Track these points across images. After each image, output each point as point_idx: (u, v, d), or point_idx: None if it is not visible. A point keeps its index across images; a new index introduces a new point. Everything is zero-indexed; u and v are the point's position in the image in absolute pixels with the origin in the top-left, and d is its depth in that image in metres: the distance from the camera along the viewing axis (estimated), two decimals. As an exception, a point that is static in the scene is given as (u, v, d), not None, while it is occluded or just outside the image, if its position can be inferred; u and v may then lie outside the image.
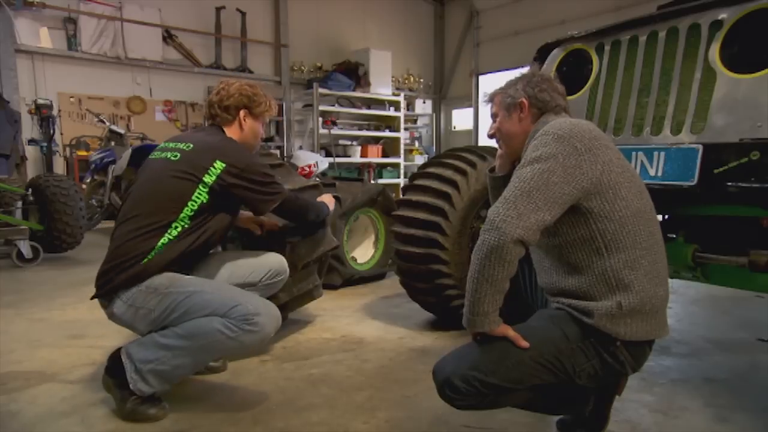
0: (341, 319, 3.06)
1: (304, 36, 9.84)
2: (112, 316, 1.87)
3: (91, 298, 1.87)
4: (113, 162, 5.89)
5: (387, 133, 10.18)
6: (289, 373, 2.23)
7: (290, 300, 2.49)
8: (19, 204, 4.63)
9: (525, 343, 1.36)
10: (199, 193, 1.86)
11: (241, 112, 2.07)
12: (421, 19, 11.76)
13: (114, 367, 1.82)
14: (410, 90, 11.26)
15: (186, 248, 1.85)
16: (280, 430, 1.76)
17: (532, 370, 1.36)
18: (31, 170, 6.94)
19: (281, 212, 2.16)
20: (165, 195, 1.85)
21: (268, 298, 1.98)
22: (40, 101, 6.54)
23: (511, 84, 1.62)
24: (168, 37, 8.42)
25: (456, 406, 1.40)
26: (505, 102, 1.60)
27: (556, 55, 2.49)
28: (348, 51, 10.13)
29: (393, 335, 2.75)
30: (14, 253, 4.51)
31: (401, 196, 2.85)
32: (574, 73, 2.38)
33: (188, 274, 1.90)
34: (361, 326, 2.91)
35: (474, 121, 11.19)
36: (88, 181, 6.30)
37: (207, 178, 1.86)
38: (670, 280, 1.55)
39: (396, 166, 10.28)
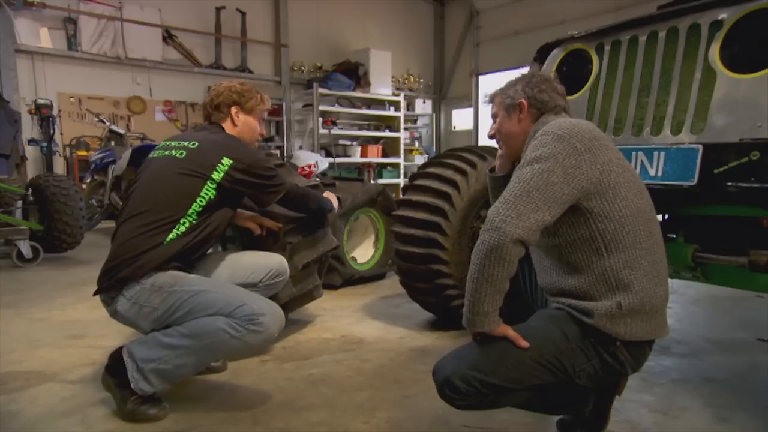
0: (341, 319, 3.06)
1: (304, 36, 9.84)
2: (115, 314, 1.87)
3: (94, 294, 1.87)
4: (113, 162, 5.89)
5: (387, 133, 10.17)
6: (289, 373, 2.23)
7: (290, 300, 2.50)
8: (19, 204, 4.63)
9: (525, 343, 1.36)
10: (207, 190, 1.91)
11: (233, 109, 2.11)
12: (421, 19, 11.76)
13: (115, 367, 1.82)
14: (410, 90, 11.26)
15: (189, 242, 1.87)
16: (280, 430, 1.76)
17: (532, 370, 1.36)
18: (31, 170, 6.94)
19: (284, 203, 2.23)
20: (173, 192, 1.89)
21: (268, 299, 1.98)
22: (40, 101, 6.54)
23: (510, 85, 1.62)
24: (168, 37, 8.42)
25: (456, 406, 1.40)
26: (504, 102, 1.60)
27: (556, 55, 2.49)
28: (348, 51, 10.13)
29: (393, 335, 2.75)
30: (14, 253, 4.51)
31: (401, 196, 2.85)
32: (574, 73, 2.38)
33: (190, 273, 1.91)
34: (361, 326, 2.91)
35: (474, 121, 11.19)
36: (88, 181, 6.30)
37: (215, 175, 1.91)
38: (670, 280, 1.56)
39: (396, 166, 10.28)
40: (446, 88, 12.03)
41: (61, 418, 1.85)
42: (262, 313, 1.74)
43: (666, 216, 2.35)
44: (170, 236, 1.84)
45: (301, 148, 9.54)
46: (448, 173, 2.64)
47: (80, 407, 1.92)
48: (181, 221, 1.86)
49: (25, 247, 4.52)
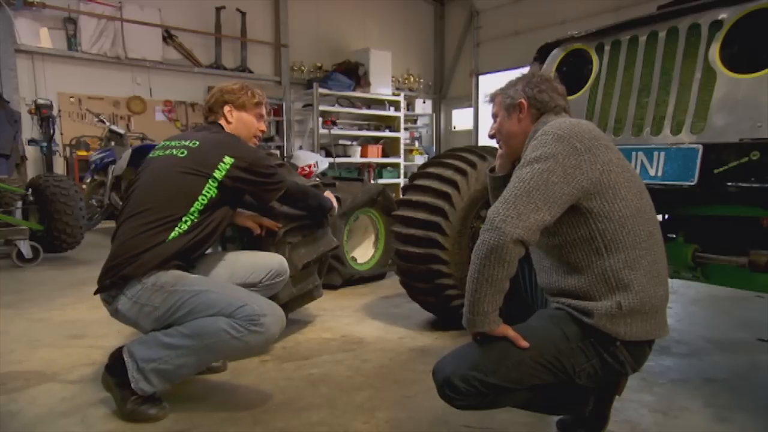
0: (341, 319, 3.06)
1: (304, 36, 9.84)
2: (115, 313, 1.87)
3: (95, 293, 1.87)
4: (113, 162, 5.89)
5: (387, 133, 10.17)
6: (289, 373, 2.23)
7: (290, 300, 2.50)
8: (19, 204, 4.64)
9: (525, 343, 1.36)
10: (209, 188, 1.92)
11: (225, 108, 2.15)
12: (421, 19, 11.76)
13: (115, 366, 1.82)
14: (410, 90, 11.26)
15: (191, 240, 1.88)
16: (280, 430, 1.76)
17: (532, 370, 1.36)
18: (31, 170, 6.94)
19: (285, 200, 2.25)
20: (175, 190, 1.90)
21: (268, 299, 1.98)
22: (40, 101, 6.54)
23: (511, 84, 1.62)
24: (168, 37, 8.42)
25: (456, 406, 1.40)
26: (505, 102, 1.60)
27: (556, 55, 2.49)
28: (348, 51, 10.13)
29: (393, 335, 2.75)
30: (14, 253, 4.51)
31: (401, 196, 2.85)
32: (574, 73, 2.38)
33: (191, 273, 1.91)
34: (361, 326, 2.91)
35: (474, 121, 11.19)
36: (88, 181, 6.30)
37: (217, 174, 1.93)
38: (670, 280, 1.56)
39: (396, 166, 10.28)
40: (446, 88, 12.03)
41: (61, 418, 1.85)
42: (263, 313, 1.74)
43: (666, 216, 2.35)
44: (172, 234, 1.84)
45: (301, 148, 9.55)
46: (448, 173, 2.64)
47: (80, 407, 1.92)
48: (183, 219, 1.87)
49: (25, 247, 4.52)
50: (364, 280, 3.93)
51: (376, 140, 10.23)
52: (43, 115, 6.50)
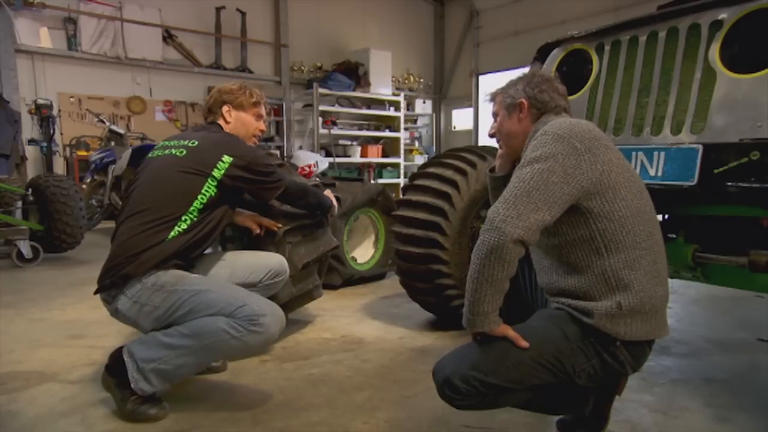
0: (341, 319, 3.06)
1: (304, 36, 9.84)
2: (115, 313, 1.87)
3: (96, 293, 1.87)
4: (113, 162, 5.89)
5: (387, 133, 10.18)
6: (289, 373, 2.23)
7: (290, 300, 2.50)
8: (19, 204, 4.63)
9: (525, 343, 1.36)
10: (208, 187, 1.93)
11: (224, 108, 2.16)
12: (421, 19, 11.76)
13: (115, 367, 1.82)
14: (410, 90, 11.26)
15: (191, 239, 1.88)
16: (280, 430, 1.76)
17: (531, 370, 1.36)
18: (31, 170, 6.94)
19: (284, 198, 2.26)
20: (174, 189, 1.91)
21: (268, 299, 1.98)
22: (40, 101, 6.54)
23: (511, 84, 1.62)
24: (168, 37, 8.43)
25: (456, 406, 1.40)
26: (505, 102, 1.60)
27: (556, 55, 2.49)
28: (348, 51, 10.13)
29: (393, 335, 2.75)
30: (14, 253, 4.51)
31: (401, 196, 2.85)
32: (574, 73, 2.38)
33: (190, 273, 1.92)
34: (361, 326, 2.91)
35: (474, 121, 11.19)
36: (88, 181, 6.30)
37: (216, 173, 1.94)
38: (670, 280, 1.56)
39: (396, 166, 10.28)
40: (446, 88, 12.03)
41: (61, 418, 1.85)
42: (262, 313, 1.74)
43: (666, 216, 2.35)
44: (172, 233, 1.85)
45: (301, 148, 9.55)
46: (448, 173, 2.64)
47: (80, 407, 1.92)
48: (183, 218, 1.88)
49: (25, 247, 4.52)
50: (364, 280, 3.93)
51: (376, 140, 10.23)
52: (43, 115, 6.50)
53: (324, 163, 7.10)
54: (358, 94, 9.61)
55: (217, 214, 1.99)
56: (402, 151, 10.27)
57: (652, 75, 2.09)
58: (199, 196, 1.91)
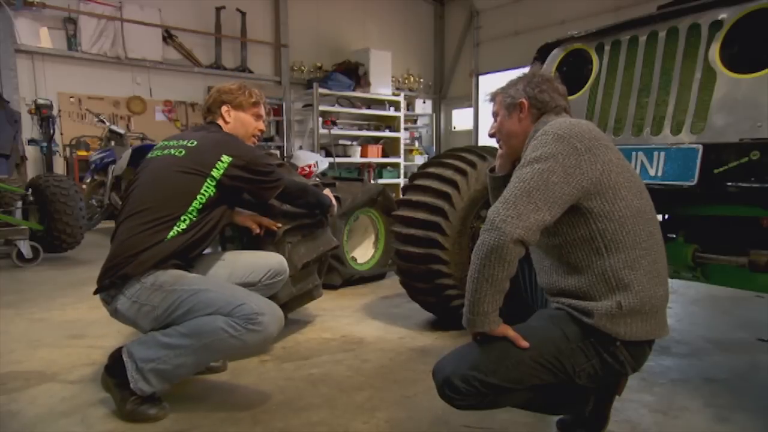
0: (341, 319, 3.06)
1: (304, 36, 9.84)
2: (115, 313, 1.87)
3: (95, 293, 1.87)
4: (113, 162, 5.89)
5: (387, 133, 10.17)
6: (289, 373, 2.23)
7: (290, 300, 2.50)
8: (19, 204, 4.63)
9: (525, 343, 1.35)
10: (207, 187, 1.93)
11: (223, 108, 2.17)
12: (421, 19, 11.76)
13: (114, 367, 1.82)
14: (410, 90, 11.26)
15: (190, 239, 1.89)
16: (280, 430, 1.76)
17: (531, 370, 1.36)
18: (31, 170, 6.94)
19: (284, 197, 2.26)
20: (173, 189, 1.91)
21: (267, 298, 1.98)
22: (40, 101, 6.54)
23: (511, 84, 1.62)
24: (168, 37, 8.43)
25: (456, 406, 1.40)
26: (505, 102, 1.60)
27: (556, 55, 2.49)
28: (348, 51, 10.13)
29: (393, 335, 2.75)
30: (14, 253, 4.51)
31: (401, 196, 2.85)
32: (574, 73, 2.38)
33: (189, 272, 1.91)
34: (361, 326, 2.91)
35: (474, 121, 11.19)
36: (88, 181, 6.30)
37: (215, 173, 1.94)
38: (670, 280, 1.55)
39: (396, 166, 10.28)
40: (446, 88, 12.03)
41: (61, 418, 1.85)
42: (261, 312, 1.74)
43: (666, 216, 2.35)
44: (171, 233, 1.85)
45: (301, 148, 9.55)
46: (448, 173, 2.64)
47: (80, 407, 1.92)
48: (182, 218, 1.88)
49: (25, 247, 4.52)
50: (364, 280, 3.93)
51: (376, 140, 10.23)
52: (43, 115, 6.50)
53: (324, 163, 7.09)
54: (358, 94, 9.61)
55: (216, 213, 1.99)
56: (402, 151, 10.27)
57: (652, 75, 2.09)
58: (198, 196, 1.91)
